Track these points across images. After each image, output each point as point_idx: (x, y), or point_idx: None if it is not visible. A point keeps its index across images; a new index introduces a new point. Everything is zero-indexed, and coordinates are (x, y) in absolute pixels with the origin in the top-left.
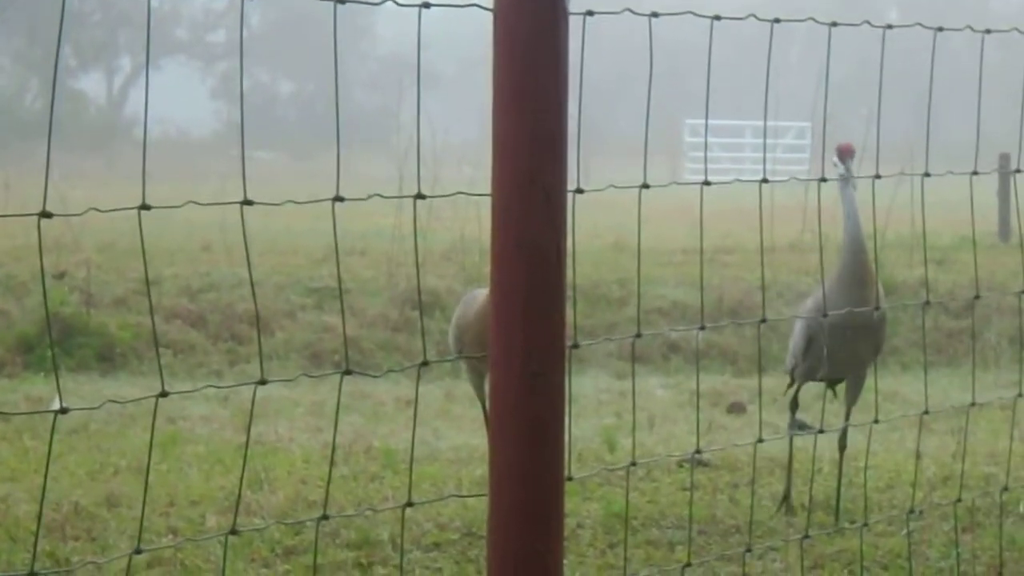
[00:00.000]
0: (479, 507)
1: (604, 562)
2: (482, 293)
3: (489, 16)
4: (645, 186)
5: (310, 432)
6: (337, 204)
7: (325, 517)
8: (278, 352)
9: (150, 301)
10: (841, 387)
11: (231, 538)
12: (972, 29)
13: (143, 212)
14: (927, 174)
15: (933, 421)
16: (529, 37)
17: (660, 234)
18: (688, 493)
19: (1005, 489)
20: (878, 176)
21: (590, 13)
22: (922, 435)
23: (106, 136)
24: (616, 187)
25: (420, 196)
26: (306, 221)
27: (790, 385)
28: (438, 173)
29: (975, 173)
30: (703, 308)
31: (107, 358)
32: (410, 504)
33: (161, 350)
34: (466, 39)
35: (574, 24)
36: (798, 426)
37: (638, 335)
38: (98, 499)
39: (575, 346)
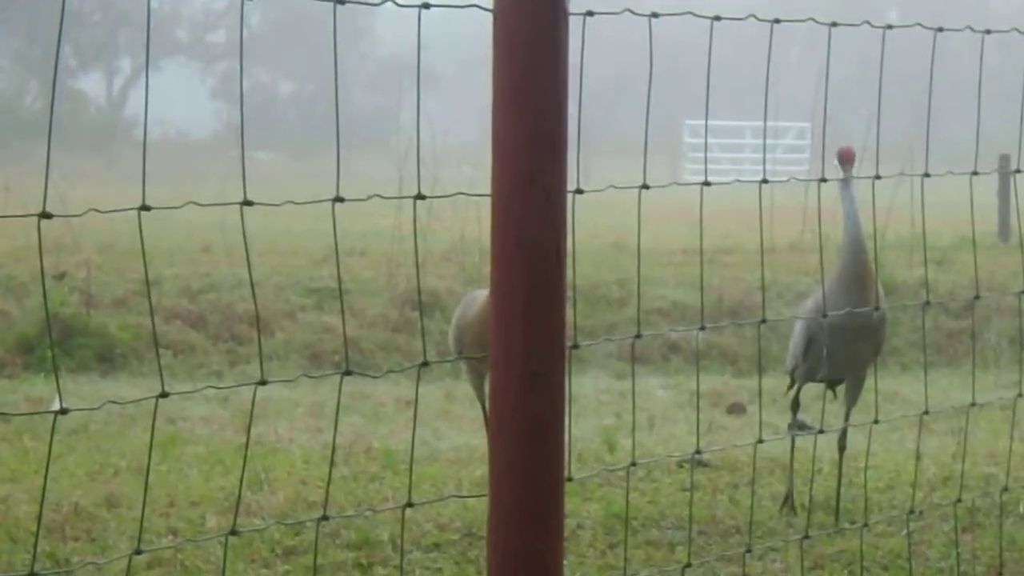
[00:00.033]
0: (479, 507)
1: (604, 562)
2: (482, 294)
3: (489, 17)
4: (645, 186)
5: (310, 433)
6: (337, 205)
7: (325, 517)
8: (278, 353)
9: (150, 302)
10: (841, 388)
11: (231, 539)
12: (972, 29)
13: (143, 213)
14: (927, 174)
15: (933, 421)
16: (529, 38)
17: (660, 234)
18: (688, 493)
19: (1005, 489)
20: (878, 176)
21: (590, 13)
22: (922, 435)
23: (106, 137)
24: (616, 187)
25: (420, 196)
26: (306, 222)
27: (791, 386)
28: (438, 174)
29: (975, 173)
30: (703, 308)
31: (107, 359)
32: (410, 504)
33: (161, 351)
34: (466, 40)
35: (574, 24)
36: (798, 426)
37: (638, 335)
38: (98, 500)
39: (575, 346)
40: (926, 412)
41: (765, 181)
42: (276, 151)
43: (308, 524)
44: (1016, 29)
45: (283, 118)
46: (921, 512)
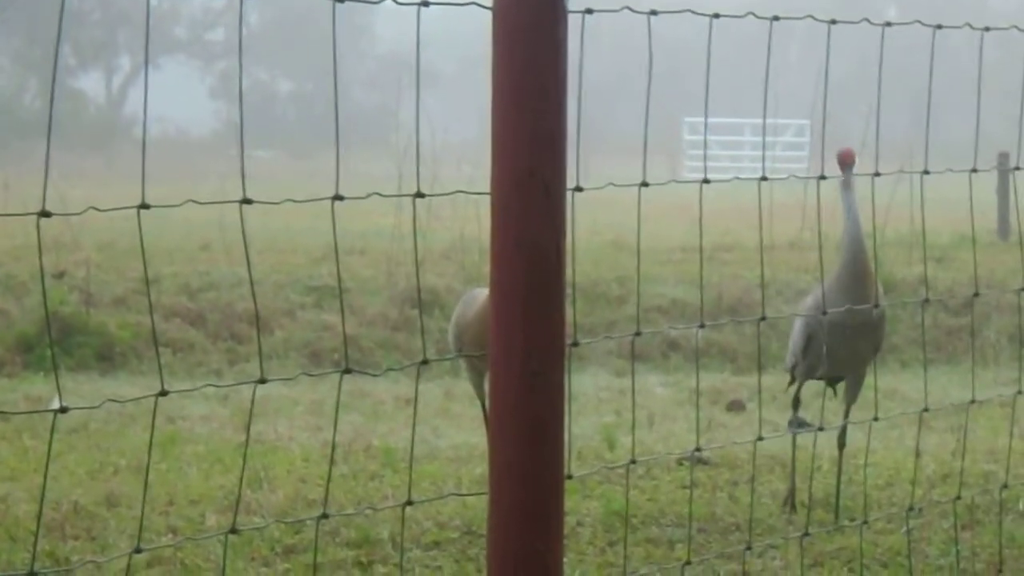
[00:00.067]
0: (479, 506)
1: (604, 560)
2: (482, 293)
3: (488, 14)
4: (644, 184)
5: (310, 431)
6: (336, 203)
7: (325, 516)
8: (277, 351)
9: (149, 300)
10: (841, 385)
11: (231, 537)
12: (971, 27)
13: (142, 211)
14: (926, 172)
15: (932, 419)
16: (528, 35)
17: (659, 232)
18: (688, 491)
19: (1005, 486)
20: (877, 174)
21: (589, 11)
22: (922, 433)
23: (105, 135)
24: (615, 185)
25: (419, 195)
26: (305, 220)
27: (790, 383)
28: (437, 172)
29: (974, 171)
30: (703, 306)
31: (106, 357)
32: (410, 503)
33: (160, 349)
34: (465, 38)
35: (573, 22)
36: (798, 424)
37: (638, 333)
38: (98, 498)
39: (575, 344)
40: (926, 409)
41: (764, 179)
42: (275, 149)
43: (308, 522)
44: (1015, 27)
45: (282, 116)
46: (921, 509)
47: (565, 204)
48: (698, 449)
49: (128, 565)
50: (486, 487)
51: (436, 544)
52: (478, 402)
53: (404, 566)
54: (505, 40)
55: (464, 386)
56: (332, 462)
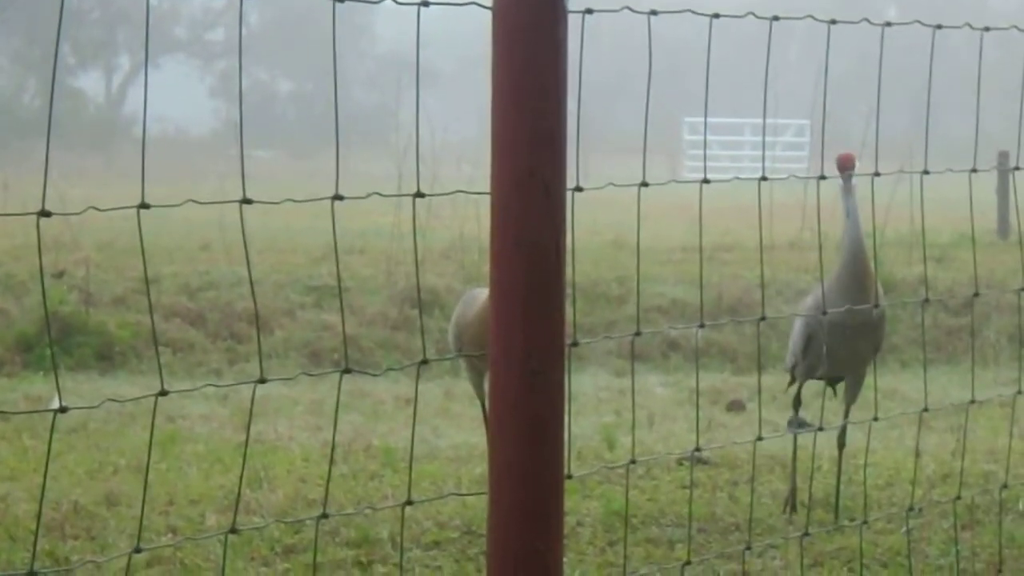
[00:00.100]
0: (479, 505)
1: (604, 560)
2: (482, 293)
3: (488, 14)
4: (644, 184)
5: (309, 431)
6: (336, 202)
7: (325, 515)
8: (277, 351)
9: (149, 300)
10: (841, 385)
11: (231, 537)
12: (971, 27)
13: (142, 211)
14: (926, 171)
15: (932, 419)
16: (528, 35)
17: (659, 232)
18: (688, 491)
19: (1004, 486)
20: (877, 174)
21: (589, 11)
22: (921, 433)
23: (105, 135)
24: (615, 185)
25: (419, 194)
26: (305, 219)
27: (791, 383)
28: (437, 171)
29: (974, 171)
30: (702, 306)
31: (106, 357)
32: (410, 502)
33: (160, 349)
34: (465, 37)
35: (573, 22)
36: (798, 424)
37: (637, 333)
38: (97, 498)
39: (574, 344)
40: (925, 409)
41: (764, 178)
42: (275, 149)
43: (308, 522)
44: (1015, 26)
45: (282, 116)
46: (920, 509)
47: (565, 204)
48: (698, 449)
49: (128, 565)
50: (486, 487)
51: (436, 544)
52: (478, 402)
53: (404, 566)
54: (505, 40)
55: (464, 386)
56: (332, 462)
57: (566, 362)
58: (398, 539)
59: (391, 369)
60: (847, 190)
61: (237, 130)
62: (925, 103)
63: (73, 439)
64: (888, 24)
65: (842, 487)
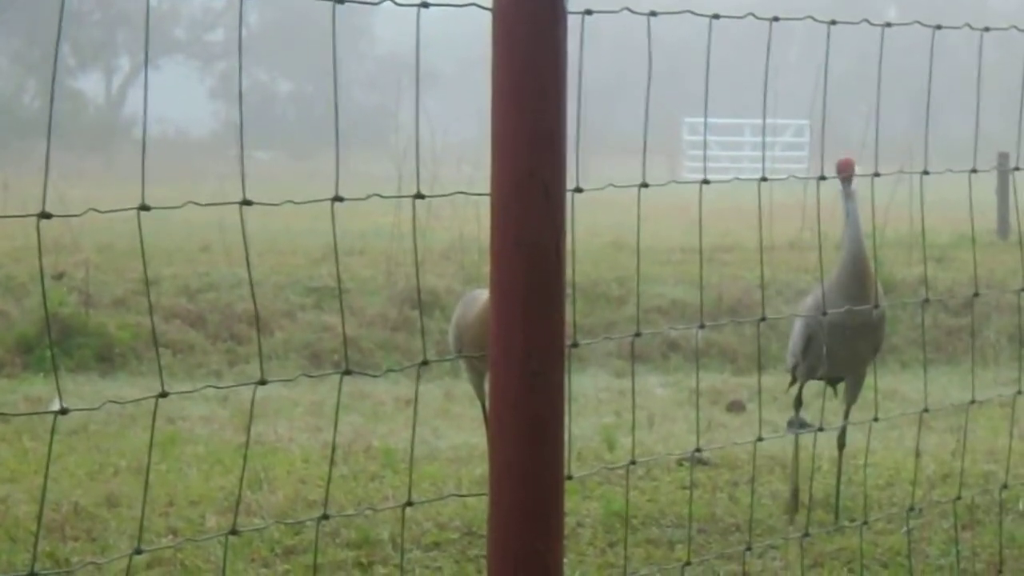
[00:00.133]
0: (479, 506)
1: (604, 561)
2: (482, 294)
3: (488, 15)
4: (644, 185)
5: (310, 432)
6: (336, 204)
7: (325, 517)
8: (277, 352)
9: (149, 301)
10: (841, 385)
11: (231, 538)
12: (971, 27)
13: (142, 212)
14: (926, 172)
15: (932, 419)
16: (528, 36)
17: (659, 233)
18: (688, 492)
19: (1005, 487)
20: (877, 174)
21: (589, 12)
22: (922, 433)
23: (105, 136)
24: (615, 186)
25: (419, 195)
26: (305, 221)
27: (791, 384)
28: (437, 172)
29: (974, 171)
30: (702, 307)
31: (106, 358)
32: (410, 503)
33: (160, 350)
34: (465, 38)
35: (573, 23)
36: (798, 424)
37: (637, 334)
38: (98, 499)
39: (574, 345)
40: (925, 410)
41: (764, 179)
42: (275, 150)
43: (308, 523)
44: (1015, 27)
45: (282, 117)
46: (921, 510)
47: (565, 204)
48: (698, 450)
49: (128, 566)
50: (486, 487)
51: (436, 545)
52: (478, 403)
53: (404, 567)
54: (505, 41)
55: (464, 387)
56: (332, 463)
57: (566, 363)
58: (398, 540)
59: (391, 370)
60: (847, 194)
61: (237, 131)
62: (925, 103)
63: (73, 441)
64: (888, 24)
65: (842, 487)
